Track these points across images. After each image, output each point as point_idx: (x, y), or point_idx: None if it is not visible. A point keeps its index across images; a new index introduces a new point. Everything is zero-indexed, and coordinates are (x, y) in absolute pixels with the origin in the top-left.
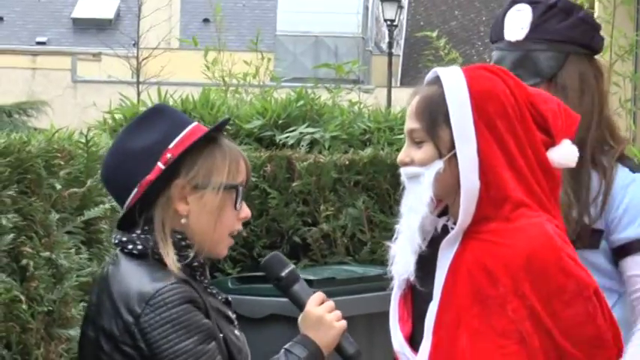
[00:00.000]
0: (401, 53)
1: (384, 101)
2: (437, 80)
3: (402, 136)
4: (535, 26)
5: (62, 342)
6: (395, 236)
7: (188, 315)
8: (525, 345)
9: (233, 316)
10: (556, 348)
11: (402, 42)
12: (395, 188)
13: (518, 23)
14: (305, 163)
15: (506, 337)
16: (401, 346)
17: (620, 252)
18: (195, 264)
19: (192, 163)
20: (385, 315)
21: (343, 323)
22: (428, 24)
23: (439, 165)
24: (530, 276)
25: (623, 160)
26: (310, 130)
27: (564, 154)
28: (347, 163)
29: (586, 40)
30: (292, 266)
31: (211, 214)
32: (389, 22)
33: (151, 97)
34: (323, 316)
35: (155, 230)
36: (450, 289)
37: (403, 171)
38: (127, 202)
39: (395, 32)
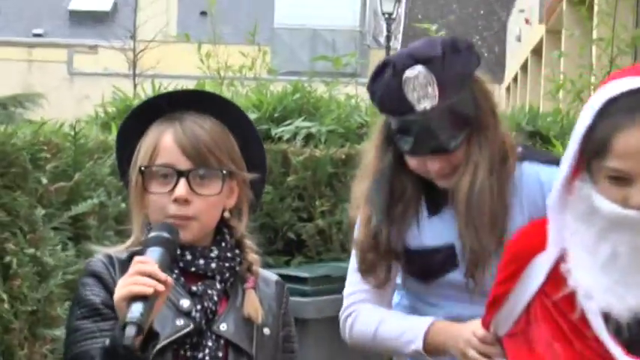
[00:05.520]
0: (399, 47)
1: None
2: None
3: None
4: (441, 84)
5: (47, 342)
6: None
7: (81, 289)
8: None
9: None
10: None
11: (399, 36)
12: None
13: (422, 91)
14: (301, 157)
15: None
16: None
17: None
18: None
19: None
20: None
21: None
22: (426, 17)
23: None
24: None
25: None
26: (306, 123)
27: None
28: (343, 157)
29: (474, 67)
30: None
31: (135, 197)
32: (387, 16)
33: (145, 90)
34: None
35: None
36: None
37: None
38: None
39: (393, 26)
